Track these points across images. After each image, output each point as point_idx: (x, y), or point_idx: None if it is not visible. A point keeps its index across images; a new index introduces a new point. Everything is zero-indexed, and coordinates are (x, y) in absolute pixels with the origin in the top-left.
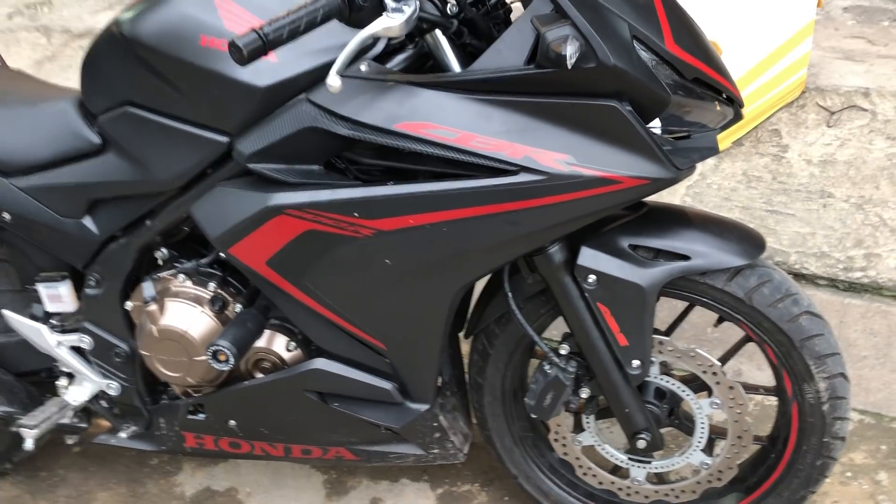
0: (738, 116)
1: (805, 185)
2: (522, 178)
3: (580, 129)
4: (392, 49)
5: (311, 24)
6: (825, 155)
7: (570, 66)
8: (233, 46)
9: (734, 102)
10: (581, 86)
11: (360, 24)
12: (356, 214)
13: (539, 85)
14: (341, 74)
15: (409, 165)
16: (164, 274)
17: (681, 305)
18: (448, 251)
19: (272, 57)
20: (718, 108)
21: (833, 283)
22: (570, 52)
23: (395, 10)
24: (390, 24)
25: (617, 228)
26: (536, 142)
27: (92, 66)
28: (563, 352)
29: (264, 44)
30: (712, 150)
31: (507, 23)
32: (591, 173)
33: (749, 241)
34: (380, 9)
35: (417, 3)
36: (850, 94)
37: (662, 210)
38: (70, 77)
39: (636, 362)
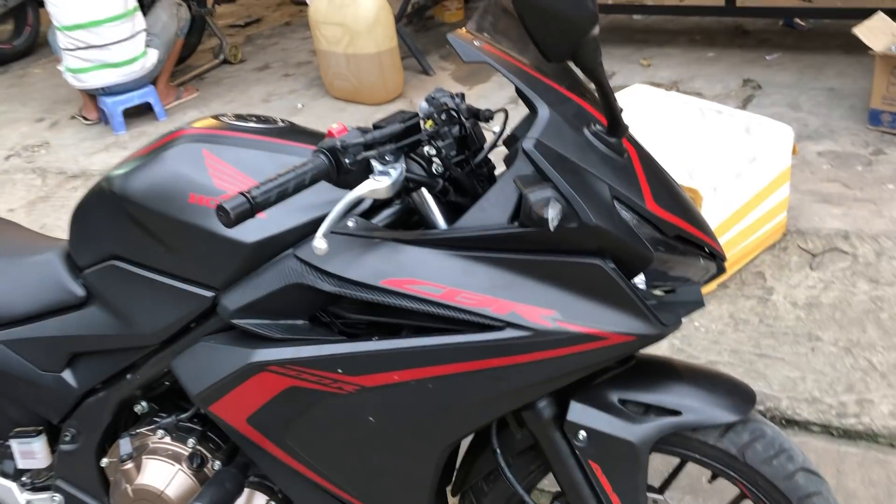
0: (720, 270)
1: (792, 328)
2: (508, 333)
3: (565, 286)
4: (379, 204)
5: (300, 187)
6: (810, 297)
7: (552, 229)
8: (220, 210)
9: (716, 257)
10: (564, 244)
11: (347, 185)
12: (340, 370)
13: (522, 243)
14: (328, 234)
15: (393, 320)
16: (142, 429)
17: (675, 460)
18: (434, 408)
19: (261, 214)
20: (702, 262)
21: (827, 430)
22: (553, 215)
23: (381, 173)
24: (377, 186)
25: (606, 382)
26: (522, 298)
27: (81, 219)
28: None
29: (251, 207)
30: (698, 304)
31: (491, 180)
32: (576, 329)
33: (739, 394)
34: (367, 170)
35: (403, 166)
36: (830, 236)
37: (651, 362)
38: (62, 217)
39: None
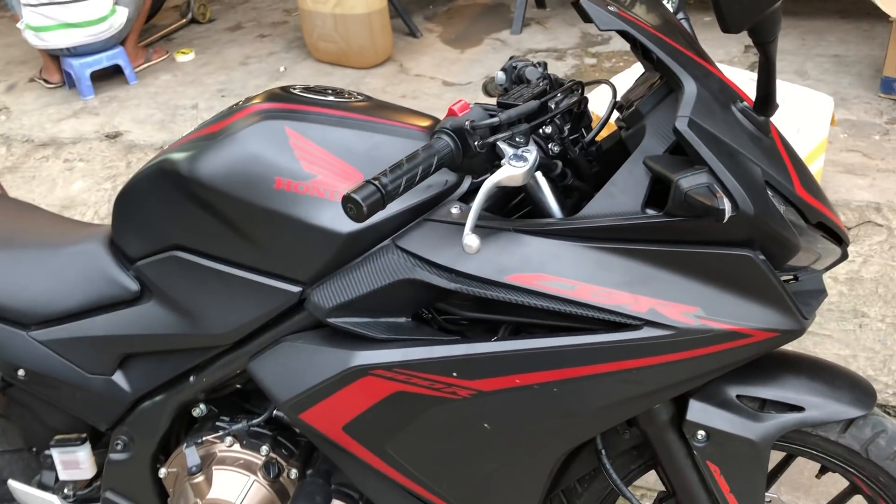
0: (844, 256)
1: (836, 304)
2: (647, 332)
3: (708, 280)
4: (473, 188)
5: (426, 173)
6: (850, 272)
7: (724, 221)
8: (349, 202)
9: (842, 242)
10: (711, 234)
11: (470, 171)
12: (455, 374)
13: (664, 233)
14: (471, 228)
15: (515, 319)
16: (207, 437)
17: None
18: (557, 413)
19: None
20: (830, 248)
21: (884, 409)
22: (727, 205)
23: (517, 157)
24: (514, 173)
25: (722, 378)
26: (662, 293)
27: (130, 204)
28: None
29: (383, 196)
30: (823, 293)
31: (601, 160)
32: (721, 327)
33: (860, 388)
34: (492, 155)
35: (537, 150)
36: (861, 209)
37: (766, 355)
38: (34, 189)
39: None
